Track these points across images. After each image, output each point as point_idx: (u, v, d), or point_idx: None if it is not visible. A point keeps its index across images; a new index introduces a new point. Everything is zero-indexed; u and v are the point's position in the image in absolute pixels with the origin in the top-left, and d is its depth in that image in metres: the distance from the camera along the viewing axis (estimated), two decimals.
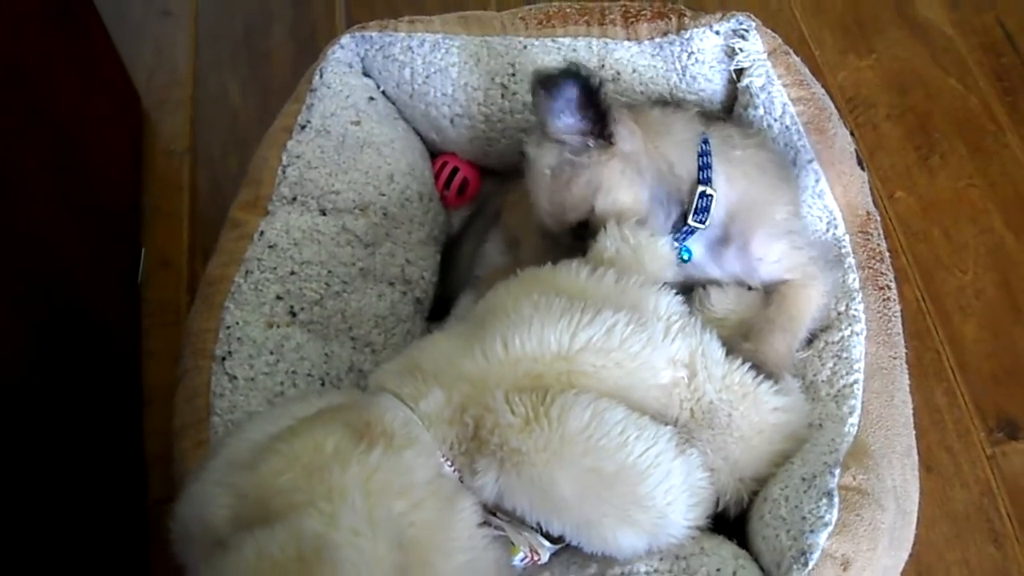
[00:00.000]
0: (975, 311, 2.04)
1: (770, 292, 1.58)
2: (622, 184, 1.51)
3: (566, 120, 1.48)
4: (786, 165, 1.68)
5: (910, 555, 1.43)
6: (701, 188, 1.54)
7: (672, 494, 1.26)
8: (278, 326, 1.61)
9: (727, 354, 1.42)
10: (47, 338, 1.65)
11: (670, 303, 1.41)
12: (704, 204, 1.54)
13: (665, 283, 1.44)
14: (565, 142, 1.50)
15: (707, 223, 1.55)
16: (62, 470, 1.62)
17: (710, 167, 1.55)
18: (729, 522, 1.42)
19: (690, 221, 1.54)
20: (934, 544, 1.82)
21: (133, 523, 1.84)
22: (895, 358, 1.55)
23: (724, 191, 1.56)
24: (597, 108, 1.47)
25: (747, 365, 1.42)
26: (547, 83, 1.45)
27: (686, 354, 1.37)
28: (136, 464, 1.92)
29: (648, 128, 1.56)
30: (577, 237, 1.52)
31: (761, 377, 1.42)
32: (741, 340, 1.50)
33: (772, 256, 1.57)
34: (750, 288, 1.60)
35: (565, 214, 1.54)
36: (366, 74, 1.91)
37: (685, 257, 1.57)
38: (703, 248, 1.59)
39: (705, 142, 1.57)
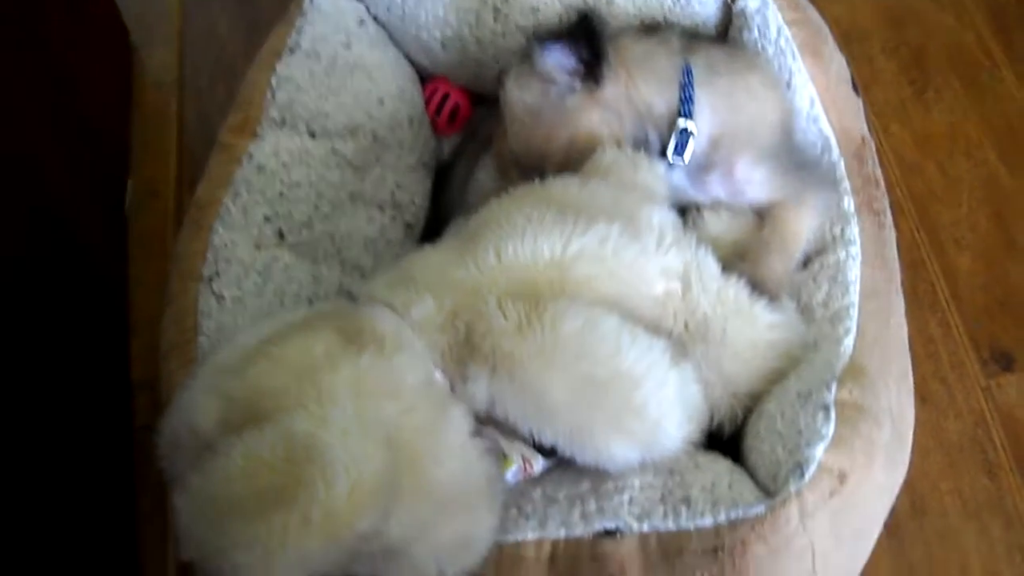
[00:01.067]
0: (969, 244, 2.04)
1: (762, 214, 1.56)
2: (600, 131, 1.50)
3: (558, 57, 1.45)
4: (777, 85, 1.65)
5: (904, 484, 1.41)
6: (681, 123, 1.51)
7: (666, 404, 1.25)
8: (266, 247, 1.59)
9: (722, 271, 1.40)
10: (33, 267, 1.66)
11: (664, 216, 1.39)
12: (683, 140, 1.51)
13: (659, 197, 1.43)
14: (551, 80, 1.47)
15: (687, 159, 1.52)
16: (48, 397, 1.63)
17: (692, 100, 1.51)
18: (723, 442, 1.41)
19: (670, 158, 1.51)
20: (928, 474, 1.83)
21: (119, 450, 1.84)
22: (890, 282, 1.53)
23: (707, 120, 1.53)
24: (594, 50, 1.44)
25: (743, 282, 1.41)
26: (558, 35, 1.43)
27: (680, 266, 1.35)
28: (122, 391, 1.92)
29: (630, 66, 1.53)
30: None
31: (757, 295, 1.41)
32: (737, 261, 1.48)
33: (757, 179, 1.55)
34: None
35: (537, 158, 1.52)
36: None
37: None
38: (684, 176, 1.56)
39: (688, 73, 1.53)
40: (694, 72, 1.53)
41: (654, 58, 1.56)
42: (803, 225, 1.54)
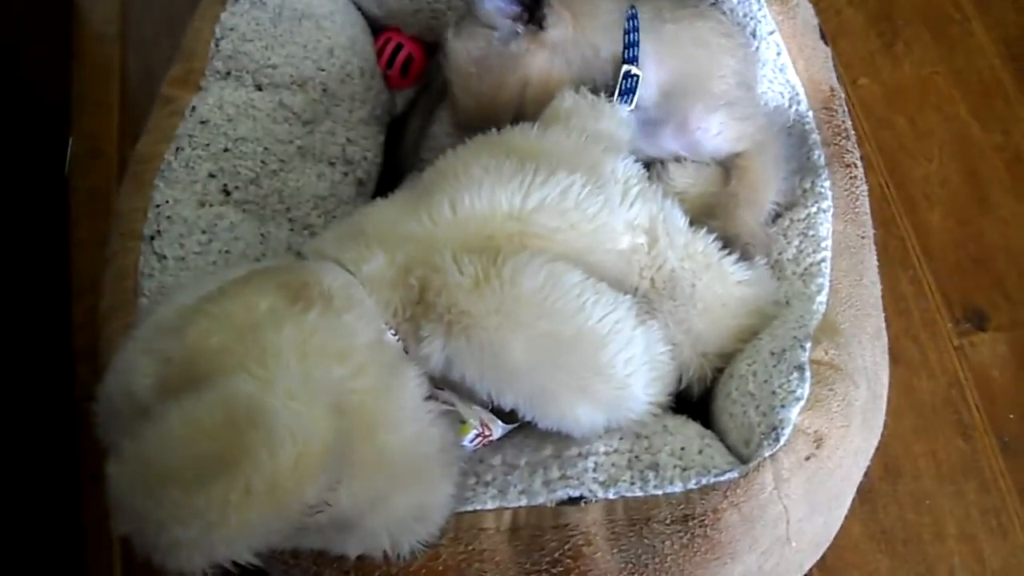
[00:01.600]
0: (940, 199, 2.01)
1: (727, 167, 1.51)
2: (551, 76, 1.44)
3: (496, 1, 1.39)
4: (732, 34, 1.59)
5: (877, 446, 1.38)
6: (625, 68, 1.45)
7: (633, 364, 1.19)
8: (211, 205, 1.53)
9: (690, 225, 1.35)
10: None
11: (628, 166, 1.33)
12: (629, 85, 1.45)
13: (622, 146, 1.37)
14: (493, 27, 1.42)
15: (634, 104, 1.47)
16: None
17: (636, 45, 1.46)
18: (692, 404, 1.36)
19: (615, 103, 1.45)
20: (901, 436, 1.80)
21: (61, 420, 1.78)
22: (863, 237, 1.48)
23: (654, 69, 1.48)
24: None
25: (711, 236, 1.36)
26: None
27: (646, 219, 1.29)
28: (64, 359, 1.85)
29: (572, 7, 1.47)
30: None
31: (727, 250, 1.36)
32: (706, 217, 1.43)
33: (712, 129, 1.49)
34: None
35: (490, 110, 1.46)
36: None
37: None
38: (638, 131, 1.49)
39: (633, 18, 1.48)
40: (640, 19, 1.48)
41: (600, 2, 1.50)
42: (770, 174, 1.49)
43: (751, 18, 1.62)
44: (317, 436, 0.97)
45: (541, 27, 1.41)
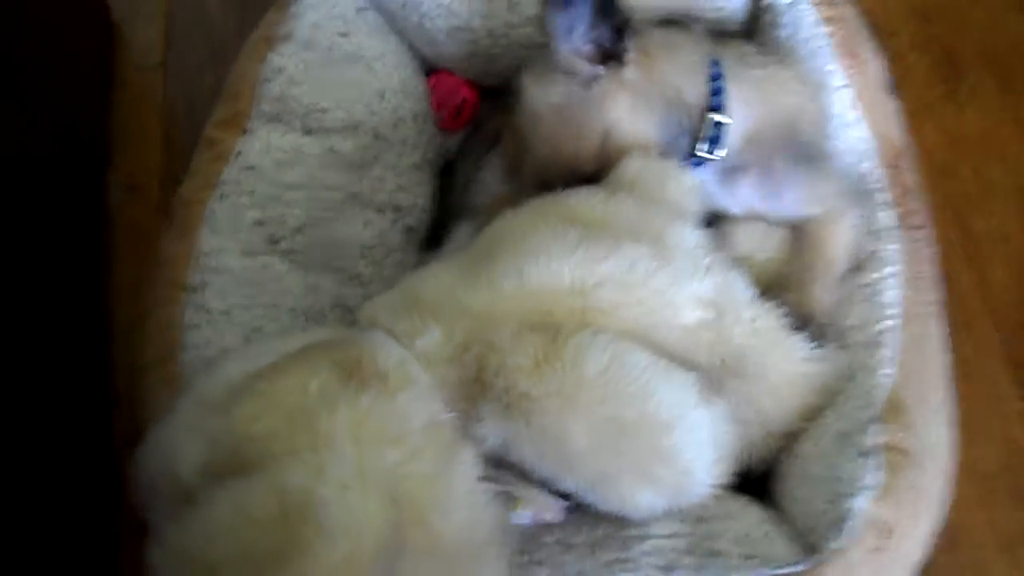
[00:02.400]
0: (1003, 255, 1.95)
1: (798, 232, 1.47)
2: (635, 120, 1.39)
3: (577, 40, 1.34)
4: (813, 84, 1.55)
5: None
6: (713, 116, 1.40)
7: (698, 448, 1.15)
8: (257, 254, 1.50)
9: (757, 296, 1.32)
10: (8, 269, 1.60)
11: (697, 236, 1.28)
12: (716, 134, 1.41)
13: (689, 214, 1.33)
14: (573, 72, 1.37)
15: (720, 154, 1.42)
16: (26, 413, 1.57)
17: (722, 91, 1.41)
18: (752, 483, 1.33)
19: (698, 151, 1.41)
20: (960, 505, 1.72)
21: (101, 466, 1.76)
22: (930, 304, 1.43)
23: (740, 116, 1.43)
24: (613, 24, 1.33)
25: (779, 310, 1.32)
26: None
27: (712, 293, 1.24)
28: (104, 404, 1.83)
29: (652, 52, 1.42)
30: None
31: (798, 328, 1.33)
32: (780, 291, 1.39)
33: (795, 185, 1.45)
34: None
35: (568, 161, 1.41)
36: None
37: None
38: (715, 179, 1.45)
39: (716, 63, 1.43)
40: (724, 64, 1.44)
41: (678, 44, 1.46)
42: (844, 242, 1.44)
43: (819, 72, 1.57)
44: (371, 528, 0.94)
45: (622, 62, 1.36)
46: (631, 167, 1.34)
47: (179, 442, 1.03)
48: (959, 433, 1.73)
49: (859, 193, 1.49)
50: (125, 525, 1.72)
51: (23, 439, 1.54)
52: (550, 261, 1.16)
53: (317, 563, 0.90)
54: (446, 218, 1.76)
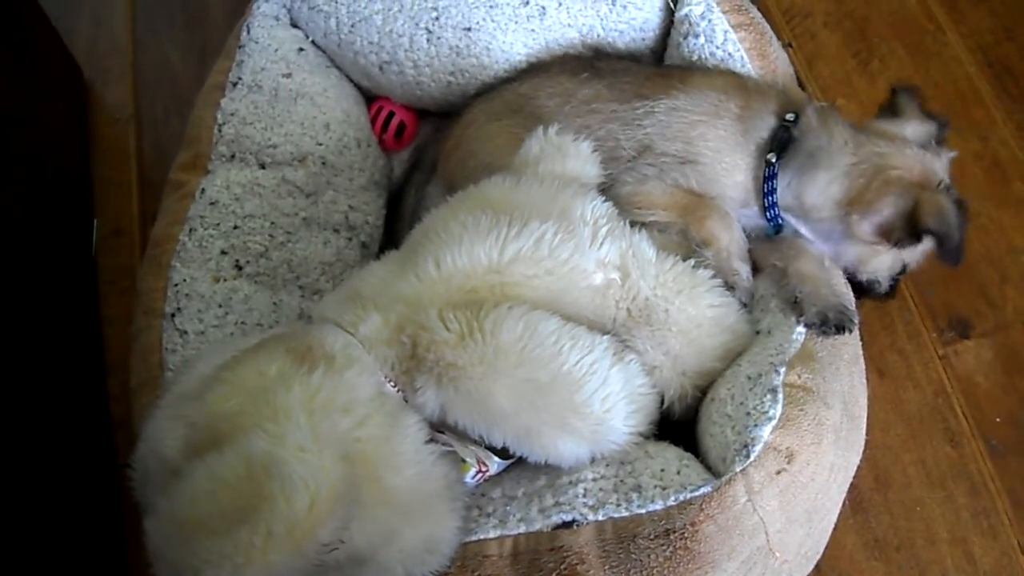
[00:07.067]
0: None
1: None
2: None
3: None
4: None
5: (866, 458, 1.46)
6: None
7: (610, 401, 1.31)
8: (225, 280, 1.63)
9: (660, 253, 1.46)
10: (5, 318, 1.68)
11: (597, 207, 1.44)
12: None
13: (591, 187, 1.48)
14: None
15: None
16: (30, 443, 1.66)
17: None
18: (675, 430, 1.45)
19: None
20: (890, 447, 1.85)
21: (104, 488, 1.86)
22: None
23: None
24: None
25: (681, 263, 1.46)
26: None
27: (616, 256, 1.40)
28: (103, 429, 1.94)
29: None
30: None
31: (696, 273, 1.47)
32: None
33: None
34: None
35: None
36: (294, 25, 1.92)
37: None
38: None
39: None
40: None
41: None
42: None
43: None
44: (327, 482, 1.08)
45: None
46: (532, 148, 1.51)
47: (164, 429, 1.18)
48: (886, 381, 1.87)
49: None
50: (130, 536, 1.81)
51: (33, 471, 1.65)
52: (468, 245, 1.32)
53: (280, 513, 1.04)
54: (392, 240, 1.88)
